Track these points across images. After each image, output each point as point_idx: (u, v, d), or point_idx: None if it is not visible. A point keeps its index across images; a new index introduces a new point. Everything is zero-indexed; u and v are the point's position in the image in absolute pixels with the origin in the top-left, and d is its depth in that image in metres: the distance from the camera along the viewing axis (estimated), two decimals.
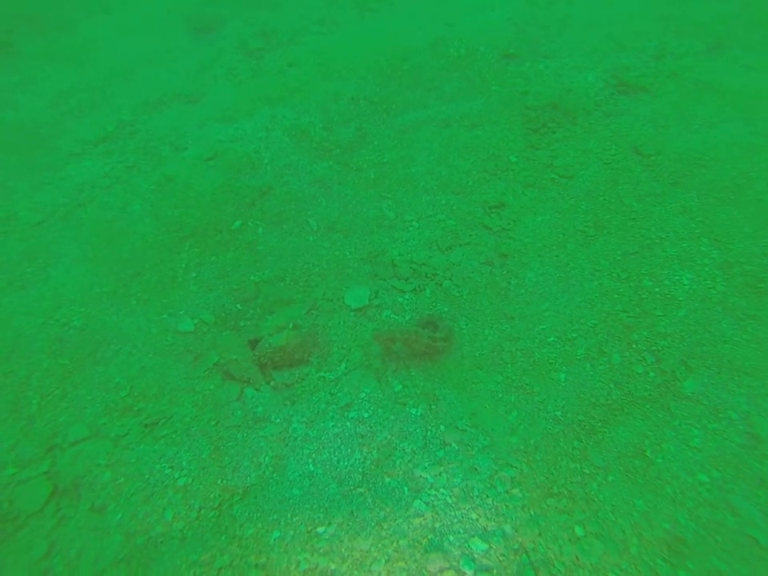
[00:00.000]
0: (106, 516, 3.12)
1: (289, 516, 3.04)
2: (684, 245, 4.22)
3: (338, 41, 7.44)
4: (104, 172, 5.74)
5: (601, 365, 3.55)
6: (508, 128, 5.69)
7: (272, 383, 3.82)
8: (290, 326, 3.92)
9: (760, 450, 2.95)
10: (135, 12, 9.36)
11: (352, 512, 3.02)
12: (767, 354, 3.38)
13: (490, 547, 2.77)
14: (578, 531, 2.77)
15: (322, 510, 3.05)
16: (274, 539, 2.94)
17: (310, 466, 3.31)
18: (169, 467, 3.35)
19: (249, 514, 3.10)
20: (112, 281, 4.51)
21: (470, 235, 4.74)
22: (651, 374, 3.43)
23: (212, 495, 3.22)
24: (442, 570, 2.70)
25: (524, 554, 2.73)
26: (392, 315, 4.23)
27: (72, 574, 2.85)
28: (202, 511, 3.14)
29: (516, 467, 3.08)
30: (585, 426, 3.23)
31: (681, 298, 3.82)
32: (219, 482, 3.28)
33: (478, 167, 5.34)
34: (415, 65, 6.45)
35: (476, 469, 3.10)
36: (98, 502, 3.18)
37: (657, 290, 3.92)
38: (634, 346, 3.61)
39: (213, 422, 3.60)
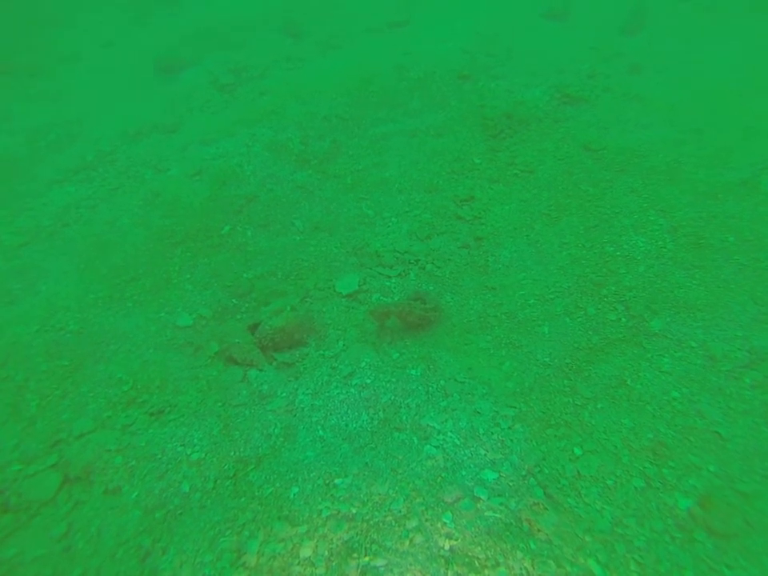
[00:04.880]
0: (121, 496, 3.14)
1: (305, 473, 3.15)
2: (636, 216, 4.76)
3: (306, 72, 8.02)
4: (87, 195, 5.90)
5: (578, 317, 3.92)
6: (470, 135, 6.28)
7: (274, 363, 3.97)
8: (288, 308, 4.12)
9: (716, 367, 3.37)
10: (107, 58, 9.75)
11: (366, 464, 3.17)
12: (714, 294, 3.85)
13: (500, 475, 2.97)
14: (577, 451, 3.03)
15: (337, 465, 3.18)
16: (294, 494, 3.03)
17: (320, 431, 3.44)
18: (180, 445, 3.41)
19: (266, 477, 3.18)
20: (106, 287, 4.61)
21: (446, 225, 5.14)
22: (623, 319, 3.82)
23: (226, 467, 3.29)
24: (458, 499, 2.87)
25: (531, 477, 2.94)
26: (381, 298, 4.50)
27: (94, 546, 2.84)
28: (218, 481, 3.20)
29: (515, 407, 3.33)
30: (572, 366, 3.55)
31: (639, 258, 4.29)
32: (232, 453, 3.36)
33: (446, 169, 5.84)
34: (380, 86, 7.06)
35: (479, 412, 3.33)
36: (111, 485, 3.19)
37: (618, 253, 4.40)
38: (605, 299, 4.01)
39: (220, 403, 3.70)
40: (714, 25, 9.43)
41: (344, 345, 4.07)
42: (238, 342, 4.04)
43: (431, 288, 4.49)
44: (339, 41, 9.19)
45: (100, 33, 10.92)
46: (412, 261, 4.78)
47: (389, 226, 5.18)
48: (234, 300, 4.54)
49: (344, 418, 3.51)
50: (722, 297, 3.78)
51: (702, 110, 6.56)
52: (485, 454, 3.10)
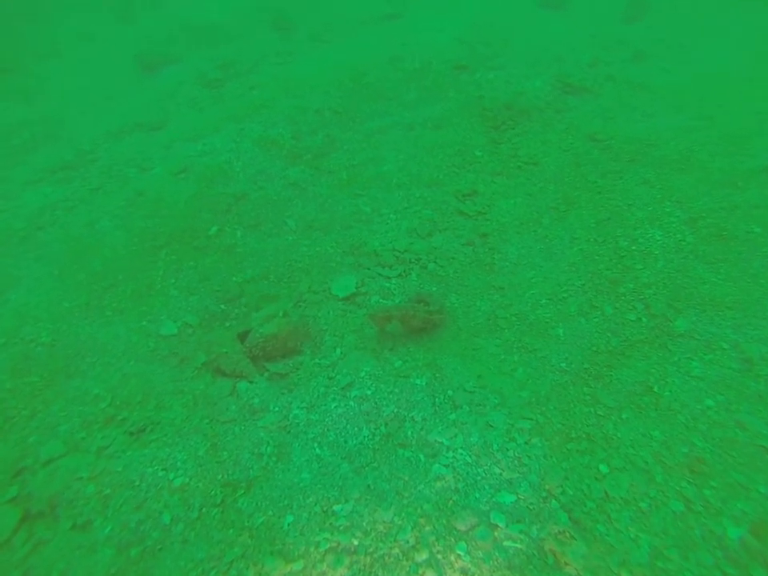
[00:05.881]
0: (92, 532, 2.79)
1: (301, 499, 2.83)
2: (650, 208, 4.45)
3: (297, 66, 7.70)
4: (65, 196, 5.54)
5: (595, 317, 3.61)
6: (469, 127, 5.97)
7: (266, 374, 3.64)
8: (281, 313, 3.79)
9: (754, 371, 3.04)
10: (88, 55, 9.40)
11: (368, 486, 2.85)
12: (743, 290, 3.54)
13: (519, 498, 2.66)
14: (603, 469, 2.71)
15: (336, 489, 2.86)
16: (288, 524, 2.71)
17: (317, 449, 3.12)
18: (162, 469, 3.07)
19: (256, 503, 2.86)
20: (83, 294, 4.26)
21: (448, 221, 4.83)
22: (644, 319, 3.51)
23: (213, 492, 2.96)
24: (473, 527, 2.56)
25: (553, 499, 2.63)
26: (381, 300, 4.18)
27: None
28: (204, 510, 2.87)
29: (531, 418, 3.02)
30: (591, 372, 3.24)
31: (657, 252, 3.99)
32: (220, 477, 3.03)
33: (446, 162, 5.52)
34: (375, 78, 6.74)
35: (491, 425, 3.02)
36: (80, 519, 2.84)
37: (634, 247, 4.09)
38: (622, 297, 3.70)
39: (207, 420, 3.37)
40: (717, 12, 9.17)
41: (341, 352, 3.75)
42: (226, 352, 3.71)
43: (434, 289, 4.18)
44: (331, 34, 8.87)
45: (82, 29, 10.56)
46: (413, 260, 4.47)
47: (387, 224, 4.86)
48: (222, 306, 4.21)
49: (343, 434, 3.19)
50: (752, 292, 3.48)
51: (710, 96, 6.28)
52: (500, 473, 2.79)
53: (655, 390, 3.06)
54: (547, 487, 2.69)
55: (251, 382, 3.60)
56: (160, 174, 5.48)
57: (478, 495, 2.70)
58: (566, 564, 2.32)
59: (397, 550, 2.50)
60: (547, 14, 9.41)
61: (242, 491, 2.95)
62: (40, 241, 4.86)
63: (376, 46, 7.85)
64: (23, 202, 5.56)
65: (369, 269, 4.43)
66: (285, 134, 5.85)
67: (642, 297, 3.67)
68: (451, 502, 2.70)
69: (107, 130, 6.89)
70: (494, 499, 2.67)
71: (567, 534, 2.45)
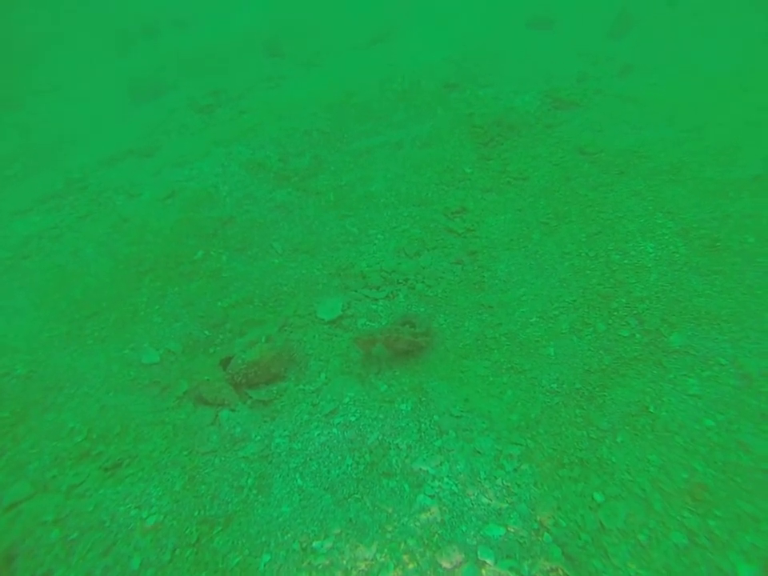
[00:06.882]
0: None
1: (279, 535, 2.68)
2: (641, 220, 4.36)
3: (286, 90, 7.76)
4: (53, 224, 5.53)
5: (587, 335, 3.48)
6: (459, 144, 5.94)
7: (248, 402, 3.52)
8: (263, 339, 3.69)
9: (754, 387, 2.89)
10: (84, 88, 9.54)
11: (350, 520, 2.69)
12: (739, 302, 3.41)
13: (508, 530, 2.50)
14: (597, 497, 2.55)
15: (316, 523, 2.70)
16: (265, 564, 2.56)
17: (299, 480, 2.98)
18: (135, 507, 2.93)
19: (233, 542, 2.71)
20: (64, 323, 4.18)
21: (436, 240, 4.75)
22: (637, 335, 3.38)
23: (188, 531, 2.80)
24: (459, 564, 2.39)
25: (545, 532, 2.47)
26: (367, 323, 4.07)
27: None
28: (177, 551, 2.71)
29: (521, 444, 2.87)
30: (583, 393, 3.09)
31: (649, 265, 3.88)
32: (196, 513, 2.88)
33: (434, 180, 5.48)
34: (363, 99, 6.76)
35: (479, 452, 2.87)
36: (40, 570, 2.65)
37: (626, 261, 3.98)
38: (615, 313, 3.58)
39: (186, 451, 3.24)
40: (701, 28, 9.23)
41: (326, 377, 3.63)
42: (208, 380, 3.60)
43: (422, 309, 4.07)
44: (321, 58, 8.98)
45: (80, 64, 10.77)
46: (400, 280, 4.37)
47: (374, 244, 4.79)
48: (206, 332, 4.11)
49: (325, 463, 3.05)
50: (749, 305, 3.35)
51: (699, 108, 6.24)
52: (488, 503, 2.63)
53: (651, 410, 2.91)
54: (538, 518, 2.53)
55: (233, 410, 3.48)
56: (147, 200, 5.46)
57: (464, 528, 2.54)
58: None
59: None
60: (535, 34, 9.51)
61: (220, 528, 2.80)
62: (24, 270, 4.81)
63: (365, 67, 7.92)
64: (11, 231, 5.54)
65: (356, 291, 4.34)
66: (272, 157, 5.84)
67: (635, 312, 3.55)
68: (437, 536, 2.54)
69: (99, 158, 6.93)
70: (481, 532, 2.51)
71: (561, 572, 2.28)
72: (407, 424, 3.14)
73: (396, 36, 9.63)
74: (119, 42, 11.62)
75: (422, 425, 3.11)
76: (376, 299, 4.25)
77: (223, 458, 3.18)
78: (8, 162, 6.88)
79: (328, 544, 2.59)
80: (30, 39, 11.81)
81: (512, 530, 2.50)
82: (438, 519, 2.61)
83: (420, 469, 2.86)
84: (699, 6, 9.62)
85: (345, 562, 2.49)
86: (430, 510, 2.65)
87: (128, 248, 4.81)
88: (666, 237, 4.10)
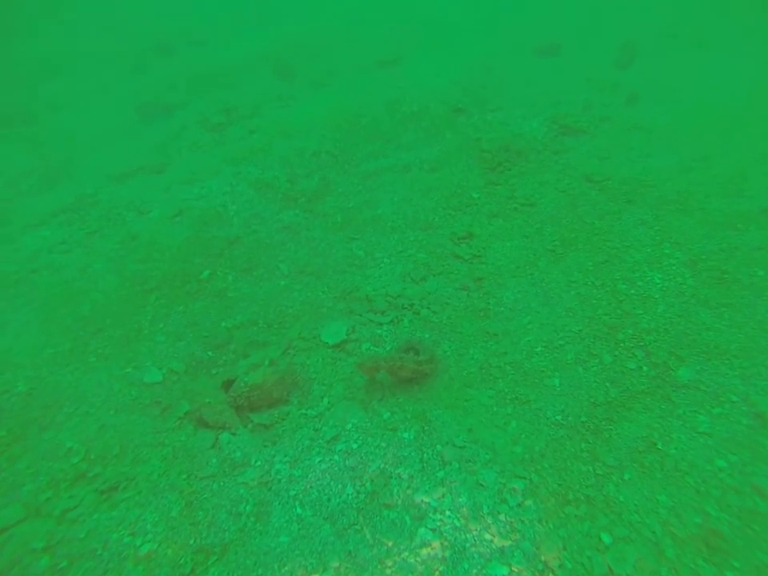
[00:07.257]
0: None
1: (276, 568, 2.62)
2: (648, 250, 4.34)
3: (296, 110, 7.88)
4: (62, 239, 5.57)
5: (593, 366, 3.44)
6: (466, 169, 5.98)
7: (249, 425, 3.48)
8: (266, 362, 3.67)
9: None
10: (99, 105, 9.73)
11: (349, 552, 2.63)
12: (749, 337, 3.37)
13: (512, 571, 2.43)
14: (605, 538, 2.49)
15: (314, 555, 2.65)
16: None
17: (298, 508, 2.92)
18: (129, 534, 2.87)
19: (228, 573, 2.65)
20: (69, 339, 4.18)
21: (443, 265, 4.74)
22: (644, 368, 3.34)
23: (182, 561, 2.75)
24: None
25: (550, 574, 2.40)
26: (372, 347, 4.05)
27: None
28: None
29: (525, 477, 2.81)
30: (589, 426, 3.04)
31: (656, 296, 3.85)
32: (192, 542, 2.83)
33: (442, 204, 5.50)
34: (372, 120, 6.85)
35: (482, 485, 2.81)
36: None
37: (632, 291, 3.96)
38: (622, 344, 3.54)
39: (184, 475, 3.19)
40: (705, 59, 9.33)
41: (329, 402, 3.60)
42: (210, 402, 3.58)
43: (426, 336, 4.04)
44: (330, 79, 9.13)
45: (96, 82, 11.01)
46: (406, 305, 4.36)
47: (380, 268, 4.79)
48: (209, 352, 4.09)
49: (326, 491, 3.00)
50: (759, 340, 3.31)
51: (705, 137, 6.27)
52: (491, 540, 2.57)
53: (659, 446, 2.85)
54: (543, 558, 2.46)
55: (234, 434, 3.44)
56: (156, 218, 5.51)
57: (466, 566, 2.48)
58: None
59: None
60: (543, 61, 9.65)
61: (215, 558, 2.75)
62: (32, 284, 4.84)
63: (374, 89, 8.04)
64: (21, 244, 5.59)
65: (360, 315, 4.32)
66: (281, 177, 5.90)
67: (642, 343, 3.51)
68: (437, 573, 2.48)
69: (110, 174, 7.01)
70: (484, 571, 2.44)
71: None
72: (410, 453, 3.09)
73: (405, 59, 9.80)
74: (135, 61, 11.89)
75: (425, 454, 3.06)
76: (381, 324, 4.23)
77: (222, 483, 3.14)
78: (23, 176, 6.98)
79: None
80: (48, 57, 12.11)
81: (516, 570, 2.43)
82: (440, 555, 2.54)
83: (422, 500, 2.81)
84: (703, 36, 9.75)
85: None
86: (431, 544, 2.59)
87: (135, 265, 4.83)
88: (674, 267, 4.08)
